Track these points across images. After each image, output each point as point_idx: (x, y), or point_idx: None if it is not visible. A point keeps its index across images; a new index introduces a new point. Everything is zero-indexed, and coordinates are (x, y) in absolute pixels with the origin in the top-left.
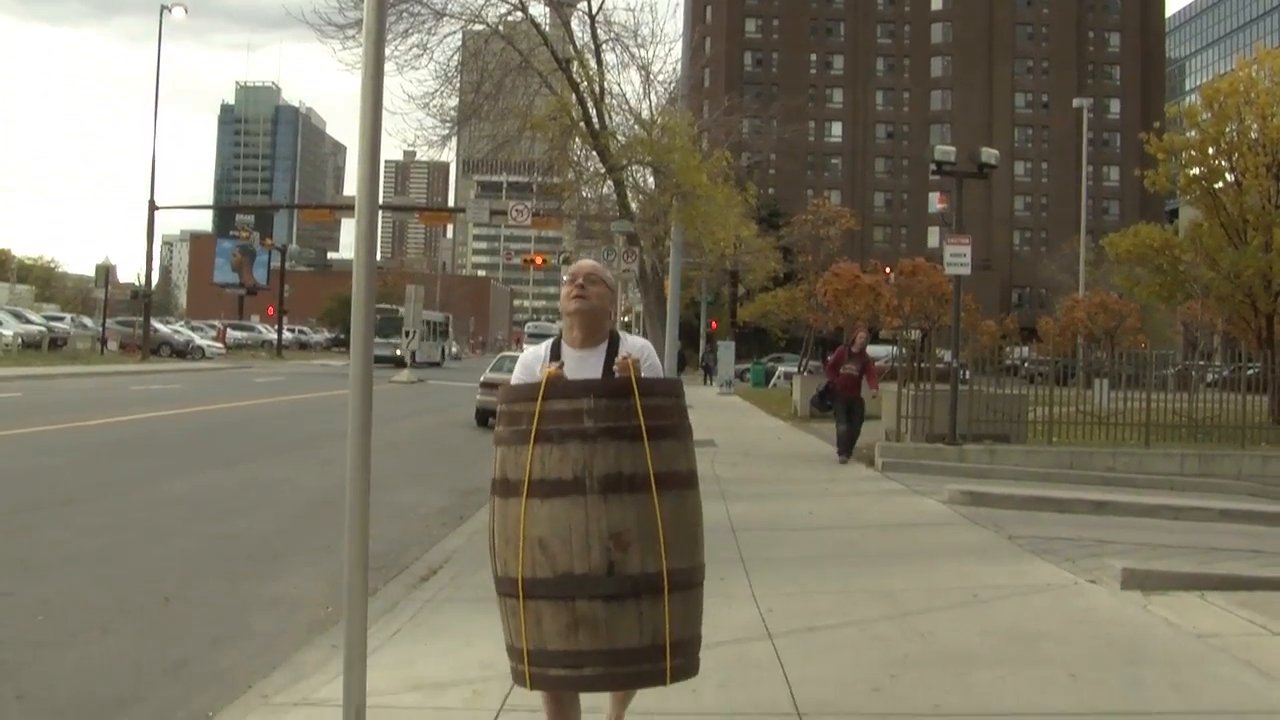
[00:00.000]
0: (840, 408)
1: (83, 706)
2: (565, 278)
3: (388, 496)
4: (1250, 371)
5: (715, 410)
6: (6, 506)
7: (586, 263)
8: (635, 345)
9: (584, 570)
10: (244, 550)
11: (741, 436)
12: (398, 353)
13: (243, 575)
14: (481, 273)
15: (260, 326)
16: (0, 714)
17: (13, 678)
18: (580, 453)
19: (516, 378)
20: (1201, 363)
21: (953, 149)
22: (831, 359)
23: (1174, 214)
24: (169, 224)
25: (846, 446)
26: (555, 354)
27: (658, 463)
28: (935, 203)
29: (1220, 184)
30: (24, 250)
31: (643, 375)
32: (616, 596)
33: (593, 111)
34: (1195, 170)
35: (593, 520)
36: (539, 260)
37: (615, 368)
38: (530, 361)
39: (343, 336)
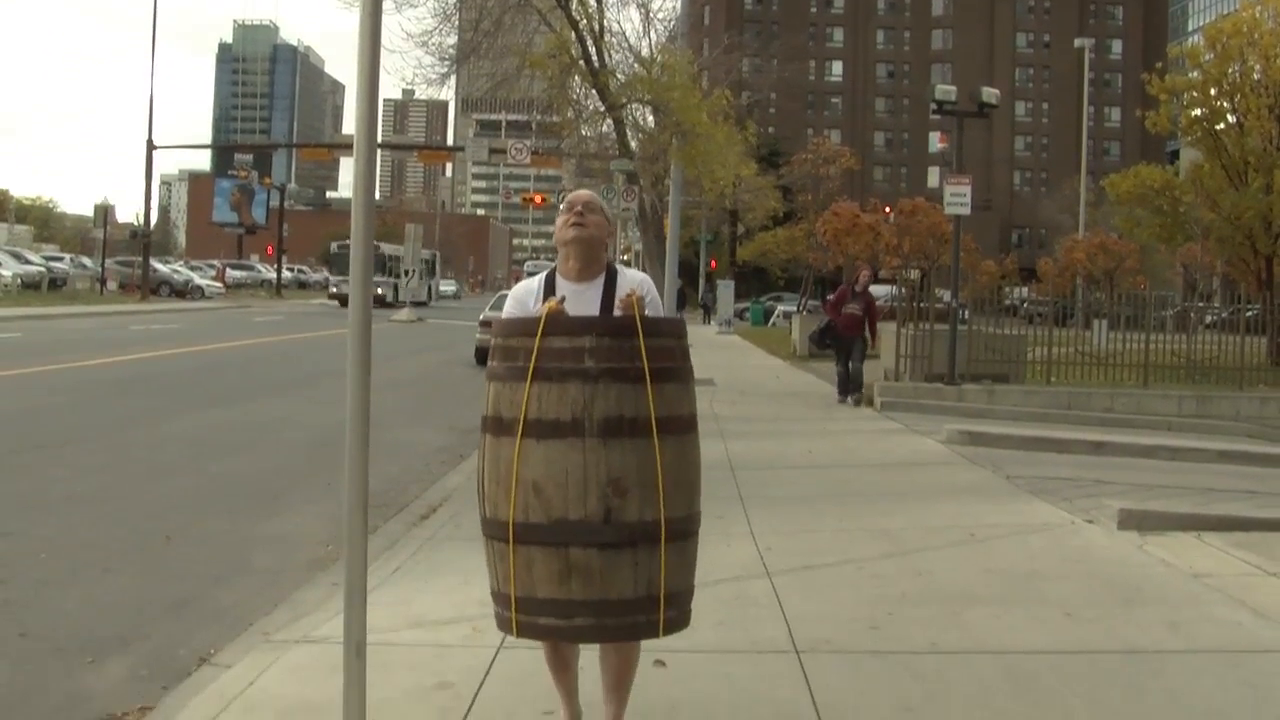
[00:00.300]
0: (841, 347)
1: (85, 644)
2: (561, 207)
3: (388, 435)
4: (1249, 313)
5: (714, 349)
6: (8, 446)
7: (584, 192)
8: (634, 280)
9: (580, 516)
10: (245, 489)
11: (740, 375)
12: (378, 291)
13: (243, 513)
14: (481, 212)
15: (259, 266)
16: (3, 651)
17: (15, 615)
18: (580, 393)
19: (508, 311)
20: (1200, 304)
21: (953, 88)
22: (833, 297)
23: (1175, 155)
24: (167, 164)
25: (847, 387)
26: (550, 287)
27: (660, 406)
28: (935, 142)
29: (1222, 125)
30: (22, 191)
31: (646, 314)
32: (612, 545)
33: (592, 49)
34: (1197, 111)
35: (591, 465)
36: (538, 199)
37: (619, 305)
38: (523, 295)
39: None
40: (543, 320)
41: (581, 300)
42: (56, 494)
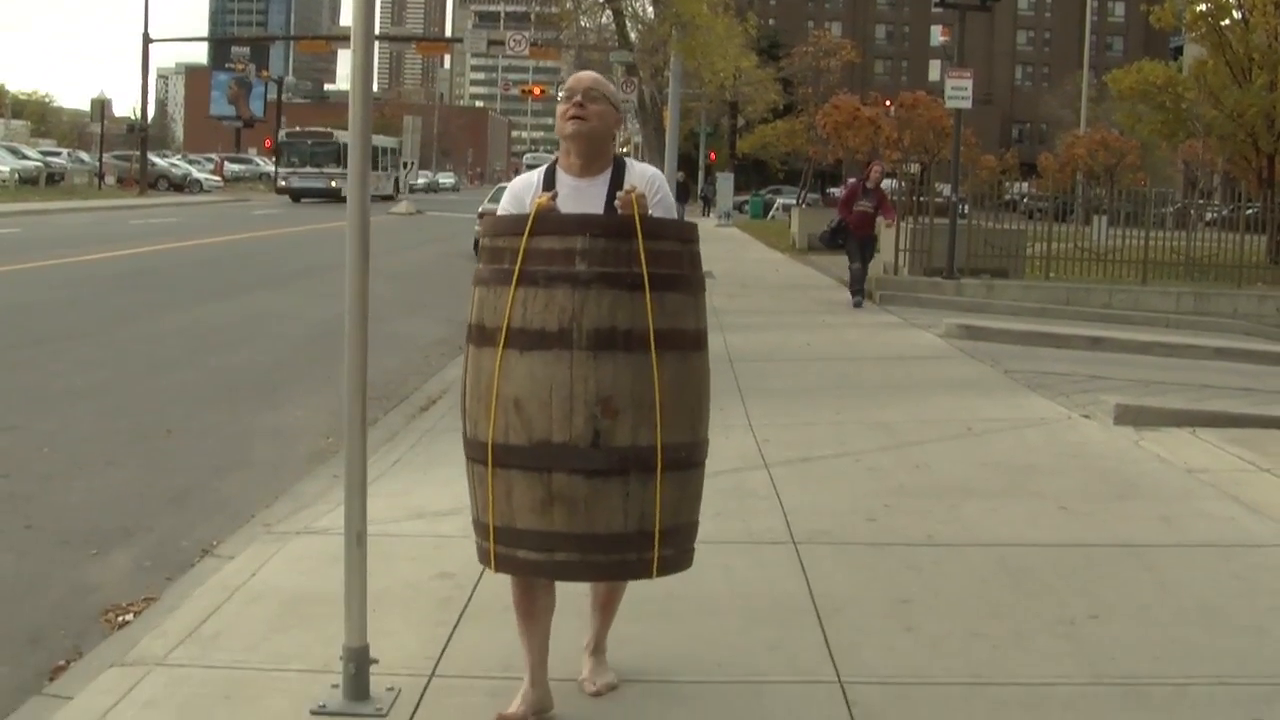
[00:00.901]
0: (854, 246)
1: (88, 536)
2: (561, 94)
3: (386, 327)
4: (1249, 211)
5: (714, 242)
6: (7, 342)
7: (586, 75)
8: (644, 175)
9: (564, 439)
10: (245, 382)
11: (740, 268)
12: (332, 184)
13: (244, 407)
14: (479, 104)
15: (258, 160)
16: (8, 544)
17: (20, 509)
18: (568, 300)
19: (504, 208)
20: (1201, 202)
21: None
22: (844, 194)
23: (1178, 51)
24: (164, 57)
25: (862, 287)
26: (550, 182)
27: (660, 318)
28: (937, 36)
29: (1226, 21)
30: (18, 85)
31: (651, 212)
32: (601, 472)
33: None
34: (1201, 7)
35: (578, 380)
36: (537, 91)
37: (617, 203)
38: (520, 190)
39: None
40: (531, 218)
41: (583, 198)
42: (57, 389)
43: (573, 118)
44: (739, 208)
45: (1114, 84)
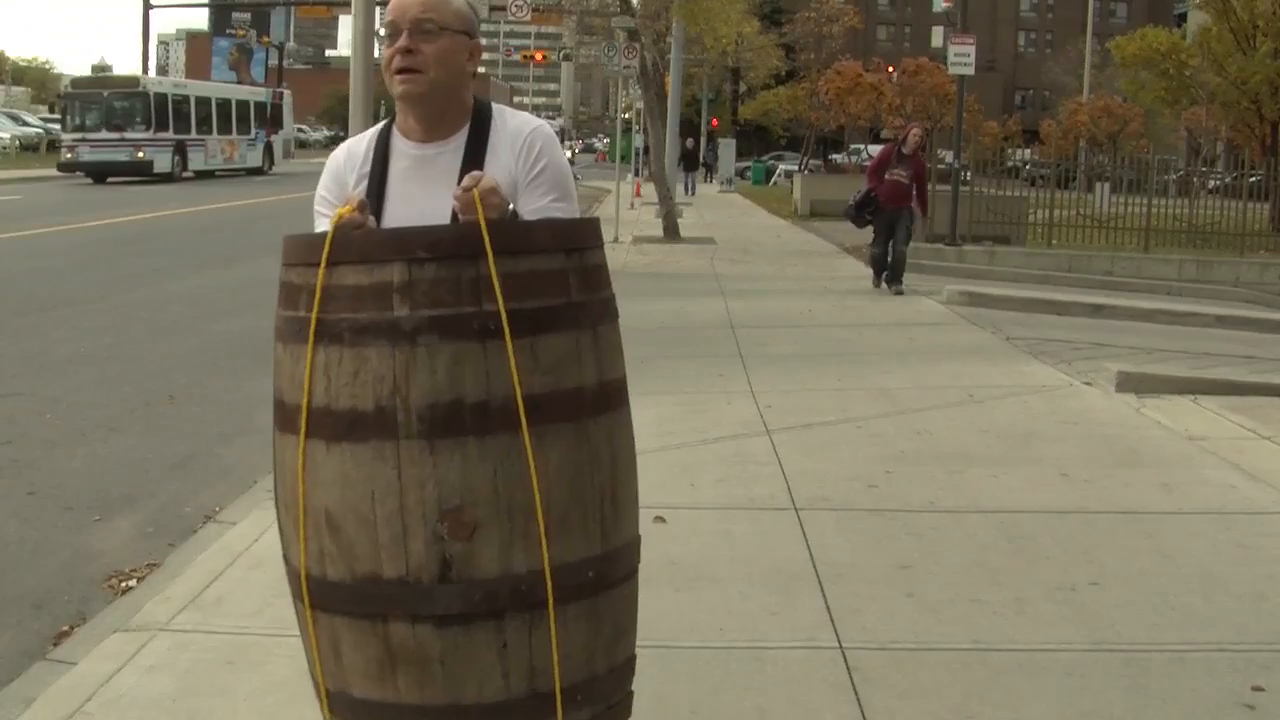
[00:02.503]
0: (883, 222)
1: (92, 502)
2: (383, 28)
3: None
4: (1252, 179)
5: (716, 207)
6: (11, 308)
7: None
8: (518, 134)
9: (398, 572)
10: (247, 348)
11: (742, 234)
12: (140, 155)
13: (246, 373)
14: (481, 69)
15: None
16: (12, 510)
17: (24, 475)
18: (386, 364)
19: (319, 201)
20: (1204, 169)
21: None
22: (874, 161)
23: (1182, 18)
24: (164, 23)
25: (884, 270)
26: (380, 155)
27: (533, 377)
28: (940, 2)
29: None
30: (18, 52)
31: (521, 204)
32: (458, 618)
33: None
34: None
35: (410, 484)
36: (539, 56)
37: (455, 201)
38: (342, 167)
39: (342, 135)
40: (329, 239)
41: (427, 176)
42: (60, 355)
43: (400, 71)
44: (741, 174)
45: (1117, 51)
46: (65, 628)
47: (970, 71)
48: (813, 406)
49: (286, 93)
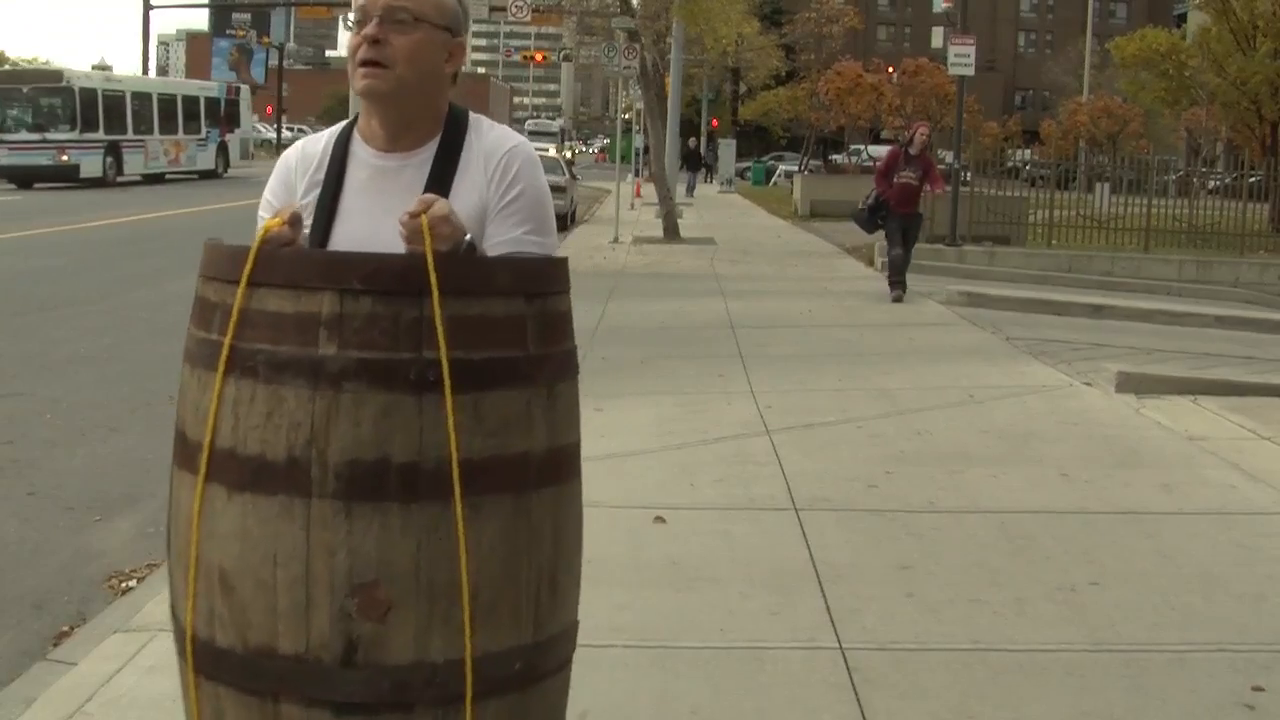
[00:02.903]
0: (895, 226)
1: (92, 503)
2: (351, 16)
3: None
4: (1252, 179)
5: (716, 208)
6: (12, 309)
7: None
8: (494, 153)
9: (296, 648)
10: None
11: (742, 234)
12: (64, 158)
13: None
14: (481, 70)
15: (259, 126)
16: (12, 510)
17: (24, 475)
18: (304, 408)
19: (268, 199)
20: (1203, 169)
21: None
22: (882, 164)
23: (1182, 19)
24: (164, 23)
25: (901, 278)
26: (337, 162)
27: (474, 439)
28: (940, 2)
29: None
30: (18, 51)
31: (492, 238)
32: (361, 707)
33: None
34: None
35: (319, 550)
36: (539, 57)
37: (400, 228)
38: (293, 169)
39: None
40: (252, 254)
41: (386, 193)
42: (61, 355)
43: (364, 63)
44: (741, 174)
45: (1117, 51)
46: (65, 628)
47: (970, 72)
48: (813, 407)
49: (244, 88)
